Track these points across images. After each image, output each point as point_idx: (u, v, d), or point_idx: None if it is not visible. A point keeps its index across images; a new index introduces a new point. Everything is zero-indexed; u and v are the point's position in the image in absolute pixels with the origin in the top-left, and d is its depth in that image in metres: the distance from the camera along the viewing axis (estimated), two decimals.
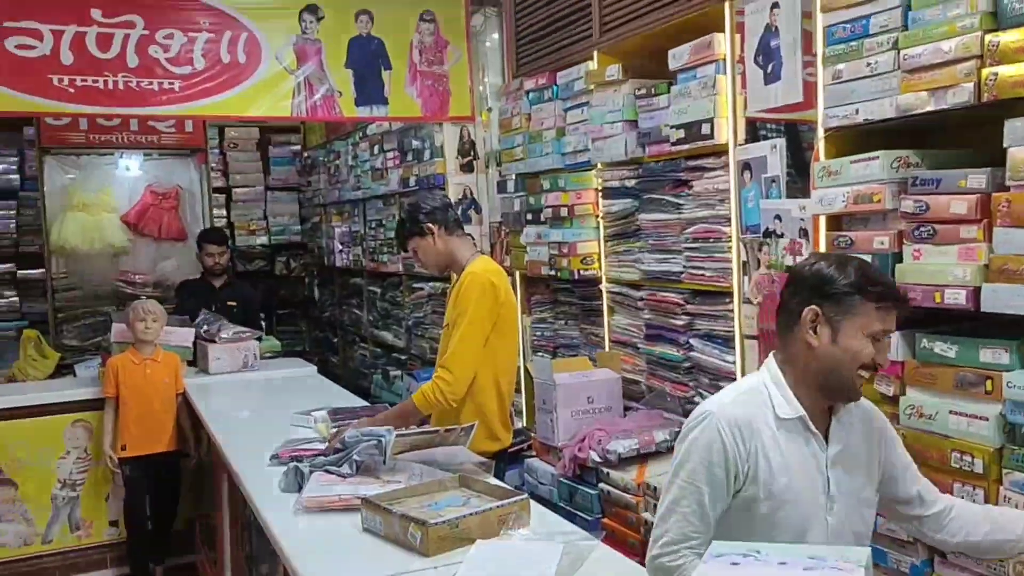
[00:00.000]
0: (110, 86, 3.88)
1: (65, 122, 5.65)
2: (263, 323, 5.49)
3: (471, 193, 4.61)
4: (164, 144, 6.10)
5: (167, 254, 6.18)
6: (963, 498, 1.92)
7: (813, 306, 1.62)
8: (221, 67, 4.05)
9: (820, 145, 2.34)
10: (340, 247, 6.54)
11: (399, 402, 4.39)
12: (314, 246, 7.44)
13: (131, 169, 6.16)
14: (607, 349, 3.55)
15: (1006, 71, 1.81)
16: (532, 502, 2.11)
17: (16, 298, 6.50)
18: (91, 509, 4.10)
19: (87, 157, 6.02)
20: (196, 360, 4.37)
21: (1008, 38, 1.81)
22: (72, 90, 3.83)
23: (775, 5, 2.52)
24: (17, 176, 6.52)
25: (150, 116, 5.09)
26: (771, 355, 1.73)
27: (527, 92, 3.93)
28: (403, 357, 5.47)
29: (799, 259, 2.47)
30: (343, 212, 6.56)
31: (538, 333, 4.11)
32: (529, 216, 3.93)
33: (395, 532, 1.94)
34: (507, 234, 4.30)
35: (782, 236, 2.54)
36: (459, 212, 4.52)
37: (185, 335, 4.29)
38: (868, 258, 2.12)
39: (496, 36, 4.53)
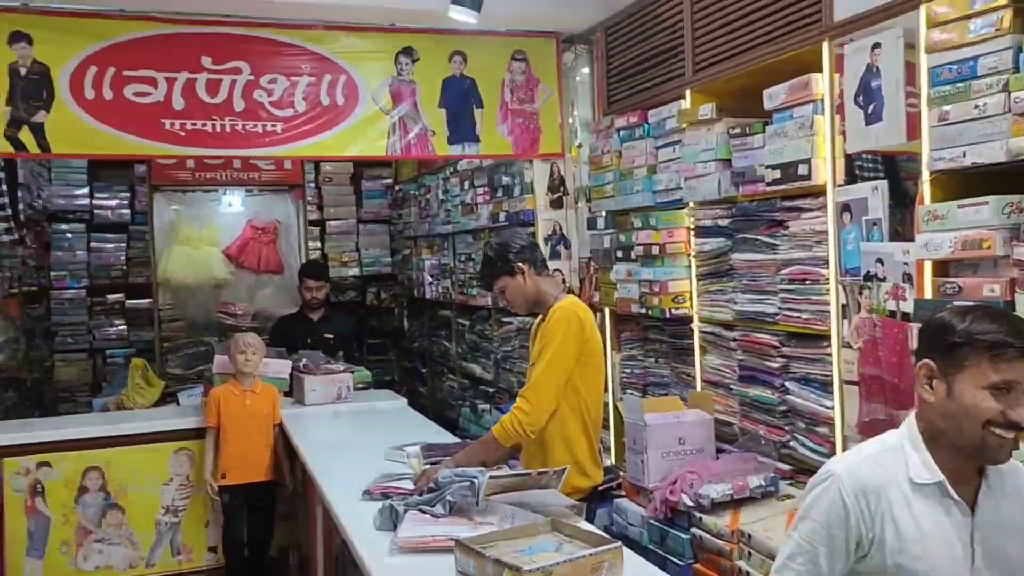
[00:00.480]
0: (217, 129, 4.08)
1: (173, 161, 5.95)
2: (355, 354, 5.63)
3: (560, 229, 4.64)
4: (264, 181, 6.37)
5: (264, 286, 6.42)
6: None
7: (927, 360, 1.55)
8: (321, 109, 4.21)
9: (925, 188, 2.27)
10: (429, 279, 6.66)
11: None
12: (404, 278, 7.59)
13: (233, 205, 6.44)
14: (699, 389, 3.50)
15: None
16: (625, 549, 2.10)
17: (125, 327, 6.89)
18: (192, 535, 4.25)
19: (192, 194, 6.34)
20: (292, 391, 4.51)
21: None
22: (183, 133, 4.04)
23: (876, 45, 2.47)
24: (128, 211, 6.94)
25: (254, 157, 5.32)
26: (912, 413, 1.63)
27: (618, 130, 3.95)
28: (491, 390, 5.51)
29: (902, 304, 2.40)
30: (433, 245, 6.69)
31: (627, 370, 4.08)
32: (619, 253, 3.93)
33: None
34: (596, 270, 4.30)
35: (884, 280, 2.47)
36: (548, 248, 4.59)
37: (282, 367, 4.44)
38: None
39: (586, 71, 4.57)
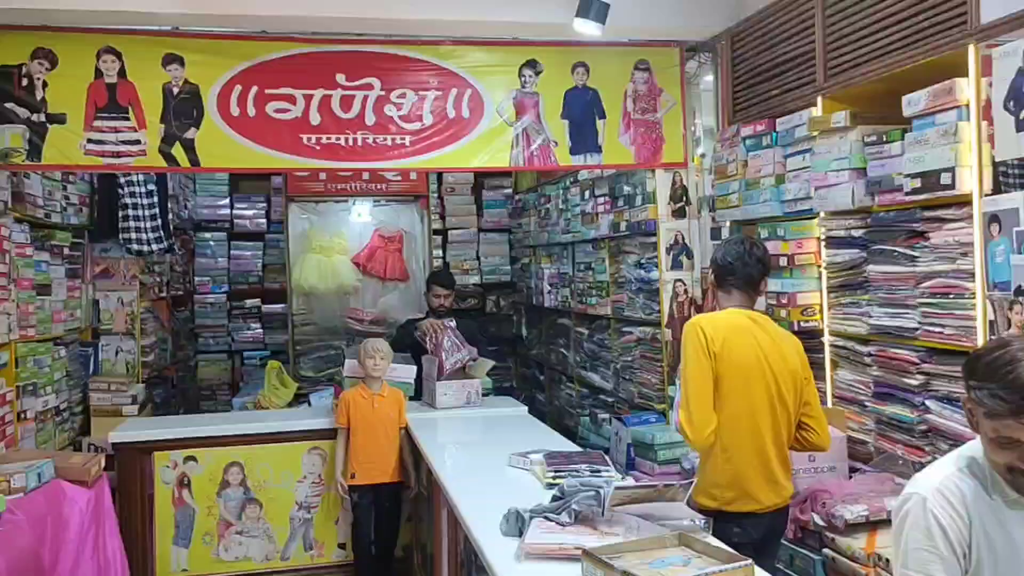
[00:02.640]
0: (350, 143, 4.25)
1: (307, 173, 6.24)
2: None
3: (683, 239, 4.59)
4: (391, 191, 6.59)
5: (389, 292, 6.63)
6: None
7: (968, 395, 1.58)
8: (447, 122, 4.33)
9: None
10: (548, 288, 6.71)
11: (605, 446, 4.47)
12: (523, 286, 7.67)
13: (362, 215, 6.69)
14: (830, 405, 3.39)
15: None
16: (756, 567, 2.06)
17: (260, 330, 7.29)
18: (323, 531, 4.45)
19: (324, 204, 6.63)
20: (422, 394, 4.65)
21: None
22: (318, 147, 4.23)
23: None
24: (264, 220, 7.35)
25: (384, 169, 5.52)
26: None
27: (744, 139, 3.88)
28: (610, 400, 5.50)
29: None
30: (552, 254, 6.74)
31: None
32: None
33: None
34: None
35: None
36: (671, 259, 4.56)
37: (408, 372, 4.58)
38: None
39: (709, 78, 4.51)
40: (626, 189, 5.03)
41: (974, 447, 1.60)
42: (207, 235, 7.31)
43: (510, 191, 7.85)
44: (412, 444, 4.16)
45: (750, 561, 2.00)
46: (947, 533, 1.52)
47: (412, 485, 4.31)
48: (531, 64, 4.38)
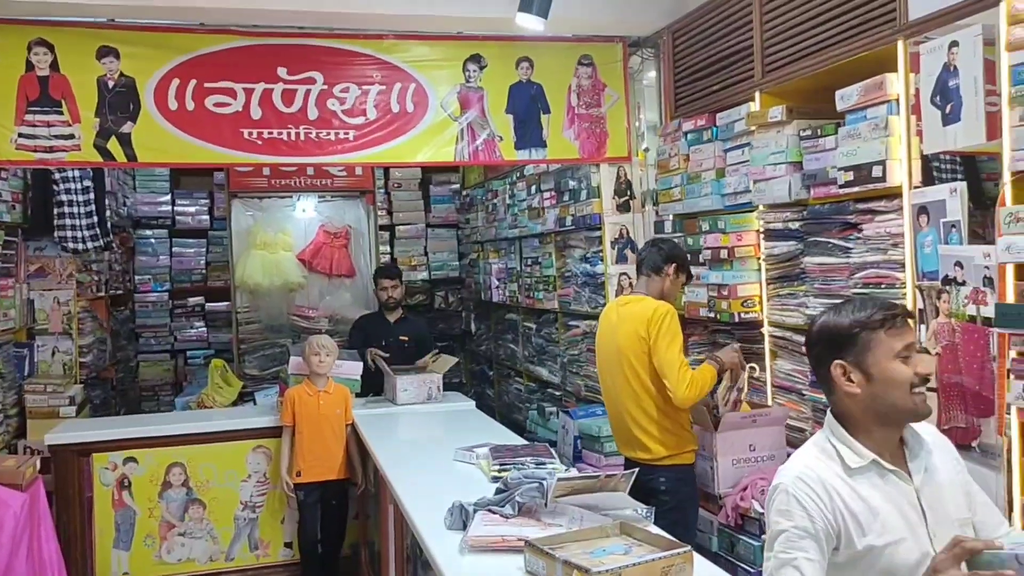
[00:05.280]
0: (293, 137, 4.20)
1: (250, 168, 6.13)
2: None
3: (627, 233, 4.63)
4: (336, 187, 6.51)
5: (336, 289, 6.56)
6: None
7: (836, 361, 1.69)
8: (391, 116, 4.30)
9: (1007, 190, 2.21)
10: (496, 283, 6.72)
11: (553, 439, 4.50)
12: (471, 281, 7.67)
13: (307, 210, 6.60)
14: (769, 395, 3.46)
15: None
16: (694, 553, 2.10)
17: (204, 329, 7.15)
18: (268, 530, 4.39)
19: (268, 200, 6.52)
20: (384, 390, 4.65)
21: None
22: (260, 142, 4.17)
23: (954, 44, 2.41)
24: (207, 217, 7.21)
25: (328, 164, 5.45)
26: (828, 411, 1.77)
27: (685, 133, 3.93)
28: (557, 393, 5.53)
29: (983, 308, 2.34)
30: (499, 249, 6.74)
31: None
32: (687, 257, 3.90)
33: None
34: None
35: (963, 284, 2.41)
36: (615, 252, 4.60)
37: (354, 368, 4.54)
38: None
39: (653, 75, 4.56)
40: (571, 184, 5.06)
41: (823, 436, 1.74)
42: (148, 232, 7.15)
43: (457, 186, 7.84)
44: (359, 440, 4.13)
45: (689, 548, 2.04)
46: (809, 514, 1.62)
47: (359, 482, 4.28)
48: (475, 59, 4.38)
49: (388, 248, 7.47)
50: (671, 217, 4.16)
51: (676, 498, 3.16)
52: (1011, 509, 2.24)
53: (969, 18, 2.39)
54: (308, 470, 4.17)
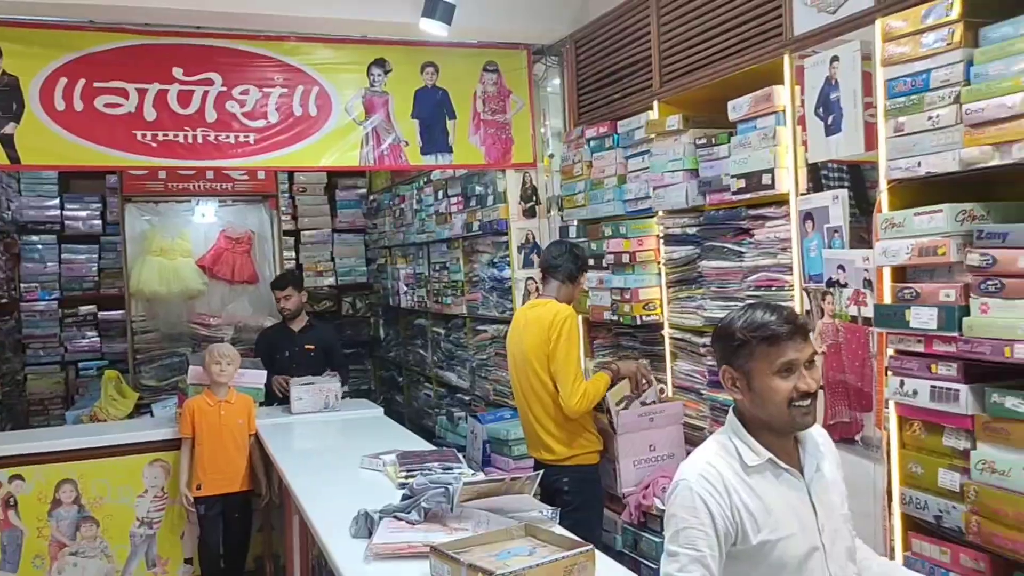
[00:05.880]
0: (190, 140, 4.08)
1: (145, 171, 5.93)
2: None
3: (533, 238, 4.69)
4: (238, 191, 6.36)
5: (239, 296, 6.40)
6: None
7: (724, 366, 1.77)
8: (293, 120, 4.23)
9: (883, 197, 2.34)
10: (405, 288, 6.68)
11: (462, 444, 4.51)
12: (379, 287, 7.60)
13: (206, 215, 6.42)
14: (670, 394, 3.56)
15: None
16: (597, 552, 2.14)
17: (97, 339, 6.85)
18: (167, 547, 4.23)
19: (165, 204, 6.31)
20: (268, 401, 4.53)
21: None
22: (154, 144, 4.03)
23: (835, 58, 2.54)
24: (99, 222, 6.91)
25: (227, 168, 5.31)
26: (731, 410, 1.83)
27: (588, 140, 4.01)
28: (467, 398, 5.54)
29: (863, 309, 2.47)
30: (407, 254, 6.71)
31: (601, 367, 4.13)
32: (591, 261, 3.97)
33: None
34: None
35: (846, 286, 2.54)
36: (522, 257, 4.65)
37: (257, 377, 4.44)
38: (935, 310, 2.12)
39: (557, 82, 4.63)
40: (478, 189, 5.09)
41: (725, 433, 1.80)
42: (34, 238, 6.79)
43: (364, 191, 7.76)
44: (263, 451, 4.04)
45: (591, 547, 2.08)
46: (711, 511, 1.68)
47: (263, 493, 4.18)
48: (380, 63, 4.35)
49: (293, 254, 7.33)
50: (576, 222, 4.23)
51: (580, 498, 3.22)
52: (891, 498, 2.37)
53: (849, 34, 2.52)
54: (209, 483, 4.05)
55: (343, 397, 4.74)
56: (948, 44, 2.12)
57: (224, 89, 4.11)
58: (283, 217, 6.99)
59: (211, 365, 4.07)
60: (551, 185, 4.69)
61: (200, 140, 4.09)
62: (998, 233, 2.00)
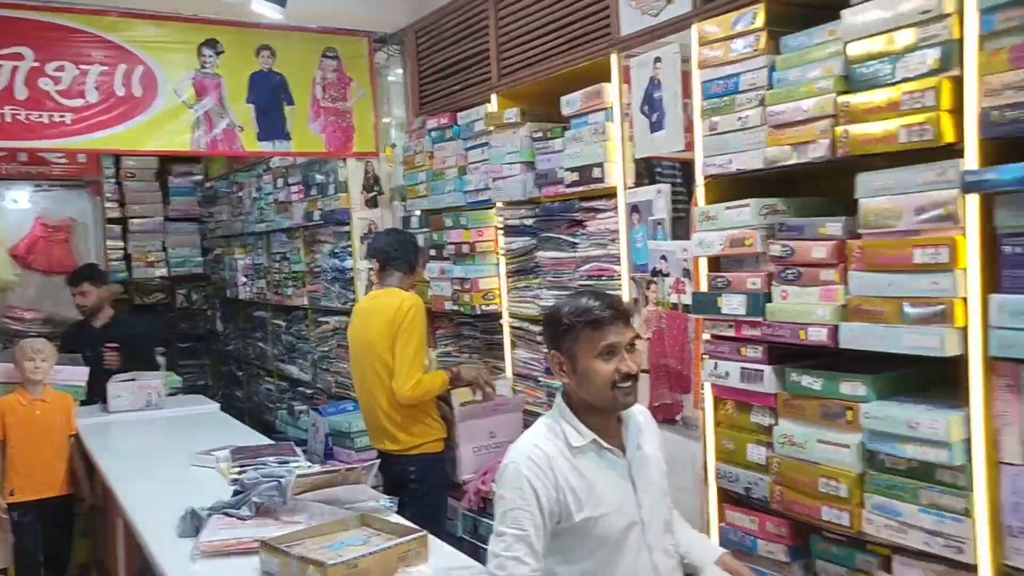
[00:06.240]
0: None
1: None
2: (161, 359, 5.36)
3: (376, 228, 4.64)
4: (55, 175, 5.92)
5: (57, 289, 5.96)
6: (830, 521, 2.10)
7: (553, 351, 1.85)
8: (115, 100, 3.98)
9: (700, 192, 2.50)
10: (244, 279, 6.46)
11: (304, 437, 4.42)
12: (217, 278, 7.31)
13: (19, 201, 5.94)
14: (510, 383, 3.64)
15: (856, 129, 1.99)
16: (433, 539, 2.18)
17: None
18: None
19: None
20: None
21: (857, 100, 2.00)
22: None
23: (658, 59, 2.68)
24: None
25: (40, 149, 4.93)
26: (559, 394, 1.90)
27: (429, 131, 4.02)
28: (309, 391, 5.43)
29: (683, 297, 2.62)
30: (246, 244, 6.49)
31: (443, 367, 4.15)
32: (433, 252, 4.00)
33: (293, 574, 1.96)
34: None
35: (668, 275, 2.69)
36: (365, 247, 4.60)
37: (77, 374, 4.16)
38: (743, 297, 2.29)
39: (400, 71, 4.61)
40: (319, 178, 4.99)
41: (552, 416, 1.87)
42: None
43: (200, 178, 7.42)
44: (85, 453, 3.80)
45: (424, 533, 2.11)
46: (537, 492, 1.75)
47: (86, 496, 3.93)
48: (211, 44, 4.17)
49: (121, 243, 6.90)
50: (418, 212, 4.24)
51: (426, 486, 3.23)
52: (707, 473, 2.54)
53: (670, 37, 2.66)
54: (23, 487, 3.77)
55: (173, 394, 4.53)
56: (755, 50, 2.28)
57: (37, 64, 3.82)
58: (108, 204, 6.58)
59: (23, 361, 3.79)
60: (394, 175, 4.67)
61: (9, 119, 3.78)
62: (796, 226, 2.19)
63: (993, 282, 1.78)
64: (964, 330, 1.82)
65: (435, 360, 4.18)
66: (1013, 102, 1.68)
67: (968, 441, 1.84)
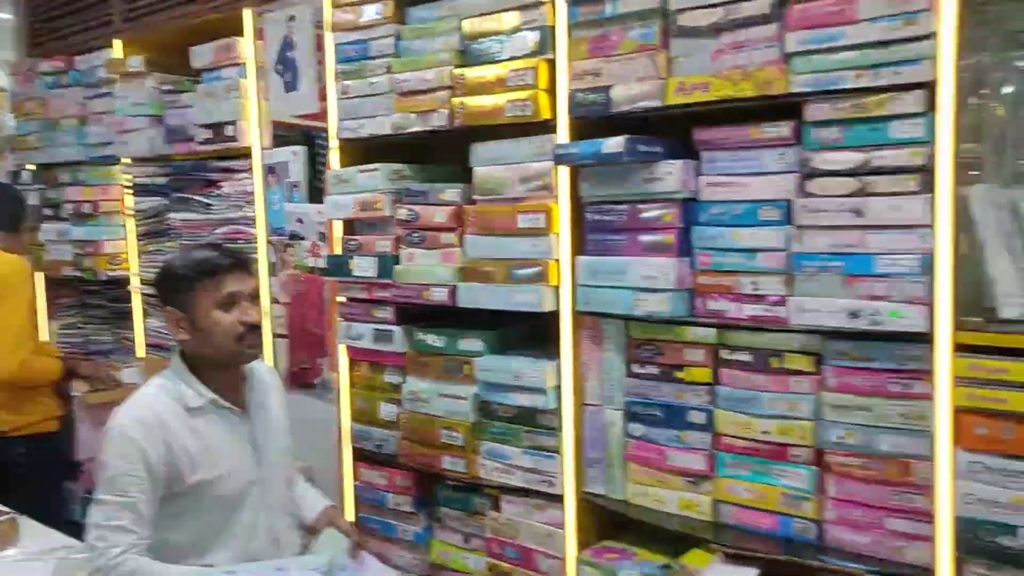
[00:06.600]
0: None
1: None
2: None
3: None
4: None
5: None
6: (450, 470, 2.25)
7: (167, 308, 1.78)
8: None
9: (334, 155, 2.50)
10: None
11: None
12: None
13: None
14: (143, 354, 3.39)
15: (471, 101, 2.13)
16: (32, 523, 1.99)
17: None
18: None
19: None
20: None
21: (472, 74, 2.13)
22: None
23: (292, 18, 2.63)
24: None
25: None
26: (176, 353, 1.83)
27: (42, 74, 3.57)
28: None
29: (318, 260, 2.62)
30: None
31: (67, 340, 3.75)
32: (48, 211, 3.57)
33: None
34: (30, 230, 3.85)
35: (304, 239, 2.67)
36: None
37: None
38: (374, 260, 2.34)
39: (9, 7, 4.01)
40: None
41: (168, 376, 1.79)
42: None
43: None
44: None
45: (13, 515, 1.93)
46: (147, 456, 1.67)
47: None
48: None
49: None
50: (32, 167, 3.75)
51: (36, 470, 2.91)
52: (341, 433, 2.58)
53: None
54: None
55: None
56: (384, 18, 2.32)
57: None
58: None
59: None
60: (4, 124, 4.06)
61: None
62: (419, 192, 2.28)
63: (580, 245, 2.01)
64: (557, 288, 2.04)
65: (57, 333, 3.77)
66: (592, 86, 1.91)
67: (559, 387, 2.07)
